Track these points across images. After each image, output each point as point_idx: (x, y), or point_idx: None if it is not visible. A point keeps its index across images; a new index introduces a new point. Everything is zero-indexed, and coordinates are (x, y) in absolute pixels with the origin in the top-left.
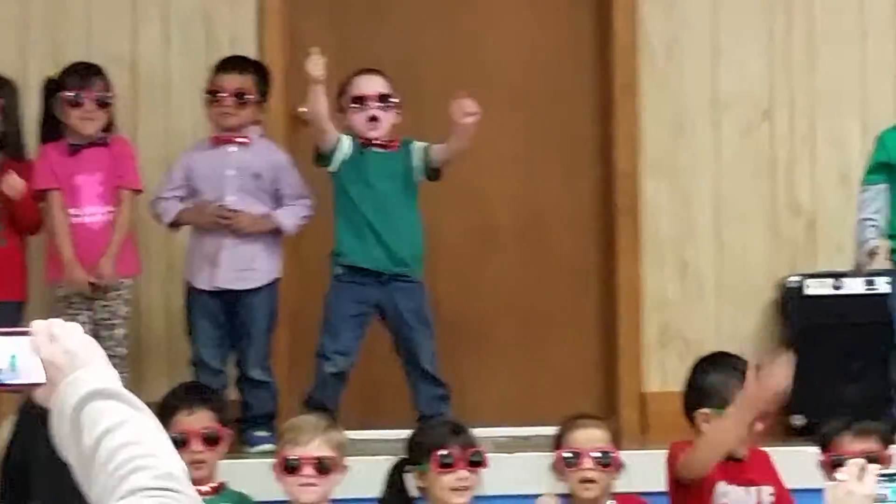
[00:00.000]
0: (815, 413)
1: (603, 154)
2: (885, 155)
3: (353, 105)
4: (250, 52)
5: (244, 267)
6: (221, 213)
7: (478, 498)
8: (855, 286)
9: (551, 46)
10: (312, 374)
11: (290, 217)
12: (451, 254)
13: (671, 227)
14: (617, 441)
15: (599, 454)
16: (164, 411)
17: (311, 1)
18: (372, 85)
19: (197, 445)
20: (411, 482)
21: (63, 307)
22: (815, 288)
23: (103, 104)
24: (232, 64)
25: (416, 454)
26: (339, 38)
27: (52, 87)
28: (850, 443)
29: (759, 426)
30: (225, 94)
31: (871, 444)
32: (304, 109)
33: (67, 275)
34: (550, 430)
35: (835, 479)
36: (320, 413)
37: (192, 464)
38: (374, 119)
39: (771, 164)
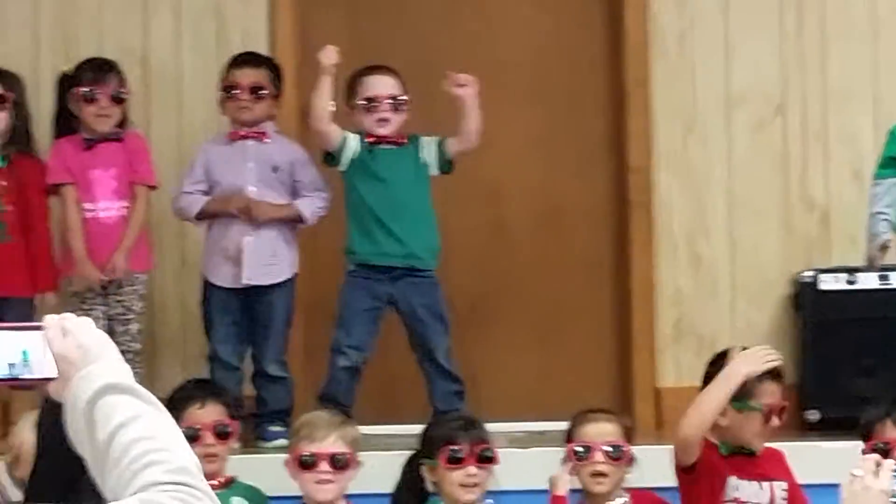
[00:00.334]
0: (829, 408)
1: (616, 149)
2: None
3: (364, 105)
4: (262, 47)
5: (267, 262)
6: (247, 204)
7: (493, 493)
8: (869, 281)
9: (564, 42)
10: (327, 369)
11: (309, 206)
12: (465, 248)
13: (685, 221)
14: (631, 436)
15: (610, 448)
16: (175, 406)
17: None
18: (383, 86)
19: (209, 439)
20: (427, 476)
21: (77, 302)
22: (829, 283)
23: (118, 100)
24: (245, 59)
25: (427, 448)
26: (351, 33)
27: (67, 82)
28: (893, 430)
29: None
30: (240, 90)
31: None
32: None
33: (79, 271)
34: (565, 426)
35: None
36: (334, 409)
37: (205, 457)
38: (384, 120)
39: (784, 159)
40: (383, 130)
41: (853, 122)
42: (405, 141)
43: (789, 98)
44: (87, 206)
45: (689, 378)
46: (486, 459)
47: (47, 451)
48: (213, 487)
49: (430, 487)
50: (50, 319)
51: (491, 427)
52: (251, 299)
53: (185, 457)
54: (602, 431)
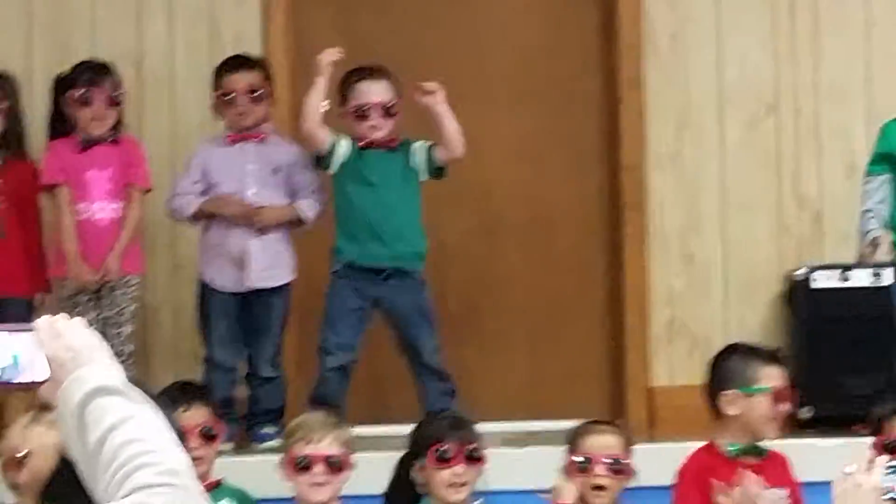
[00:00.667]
0: (822, 405)
1: (609, 148)
2: (887, 146)
3: (354, 113)
4: (255, 48)
5: (271, 265)
6: (246, 211)
7: (485, 493)
8: (862, 278)
9: (556, 41)
10: (317, 370)
11: (309, 208)
12: (458, 249)
13: (677, 220)
14: (630, 447)
15: (611, 461)
16: (160, 408)
17: None
18: (374, 93)
19: (194, 441)
20: (416, 476)
21: (70, 305)
22: (821, 281)
23: (113, 102)
24: (238, 63)
25: (417, 448)
26: (344, 34)
27: (62, 85)
28: None
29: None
30: (237, 94)
31: None
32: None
33: (71, 271)
34: (558, 425)
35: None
36: (328, 410)
37: (192, 460)
38: (375, 127)
39: (777, 156)
40: (375, 135)
41: (846, 119)
42: (395, 145)
43: (782, 96)
44: (82, 206)
45: (682, 377)
46: (473, 458)
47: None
48: None
49: (419, 489)
50: (41, 321)
51: (484, 427)
52: (251, 302)
53: (177, 458)
54: (604, 444)
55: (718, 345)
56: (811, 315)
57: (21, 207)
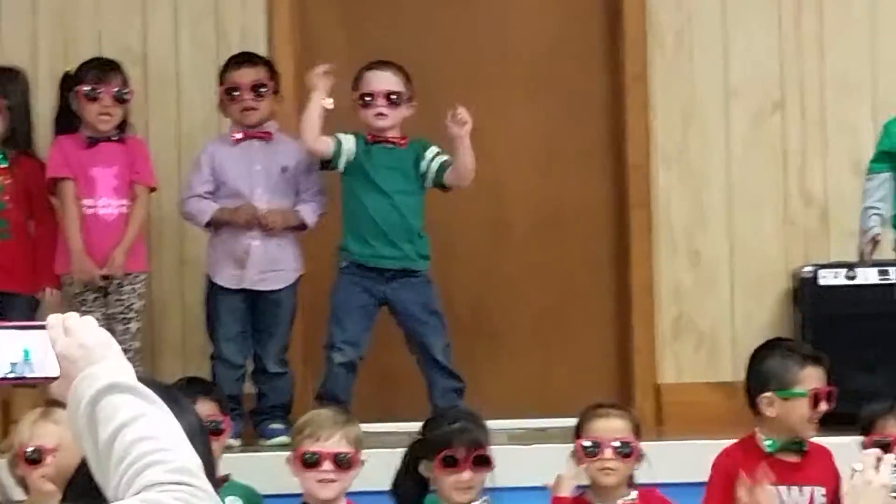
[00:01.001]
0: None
1: (615, 145)
2: (889, 144)
3: (361, 101)
4: (260, 46)
5: (272, 268)
6: (253, 216)
7: (493, 490)
8: (869, 276)
9: (562, 38)
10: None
11: (311, 213)
12: (466, 247)
13: (684, 217)
14: (639, 429)
15: (619, 444)
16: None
17: None
18: (380, 81)
19: None
20: (424, 472)
21: (77, 302)
22: (828, 278)
23: (121, 100)
24: (242, 59)
25: (425, 448)
26: (350, 31)
27: (69, 81)
28: (894, 425)
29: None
30: (242, 90)
31: None
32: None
33: (75, 265)
34: (566, 422)
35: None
36: (336, 407)
37: None
38: (380, 114)
39: (783, 153)
40: (381, 123)
41: (852, 115)
42: (404, 143)
43: (788, 92)
44: (87, 202)
45: (689, 374)
46: (482, 464)
47: None
48: None
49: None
50: (53, 319)
51: (492, 424)
52: (257, 299)
53: (187, 456)
54: (612, 427)
55: (726, 342)
56: (817, 312)
57: (31, 205)
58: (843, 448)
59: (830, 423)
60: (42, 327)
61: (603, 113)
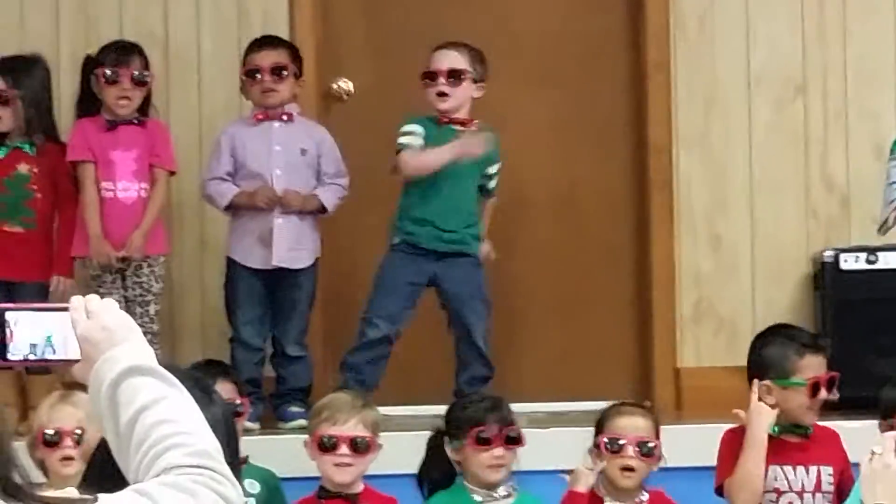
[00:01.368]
0: (849, 387)
1: (636, 130)
2: None
3: (424, 78)
4: (282, 29)
5: (295, 245)
6: (271, 198)
7: (514, 473)
8: (890, 261)
9: (584, 23)
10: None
11: (331, 197)
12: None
13: (705, 202)
14: (658, 431)
15: (641, 443)
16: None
17: None
18: (441, 61)
19: None
20: (451, 455)
21: (95, 284)
22: (849, 262)
23: (140, 82)
24: (264, 42)
25: (453, 429)
26: (370, 14)
27: (91, 65)
28: None
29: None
30: (263, 72)
31: None
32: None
33: (93, 248)
34: (586, 406)
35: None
36: (355, 392)
37: None
38: (442, 94)
39: (804, 138)
40: (443, 105)
41: (875, 101)
42: (475, 125)
43: (810, 78)
44: (107, 185)
45: (709, 358)
46: (513, 441)
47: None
48: None
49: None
50: (75, 301)
51: (512, 408)
52: (277, 281)
53: (207, 440)
54: (634, 425)
55: (746, 326)
56: (838, 297)
57: (57, 193)
58: (863, 432)
59: (850, 408)
60: (64, 309)
61: (625, 96)
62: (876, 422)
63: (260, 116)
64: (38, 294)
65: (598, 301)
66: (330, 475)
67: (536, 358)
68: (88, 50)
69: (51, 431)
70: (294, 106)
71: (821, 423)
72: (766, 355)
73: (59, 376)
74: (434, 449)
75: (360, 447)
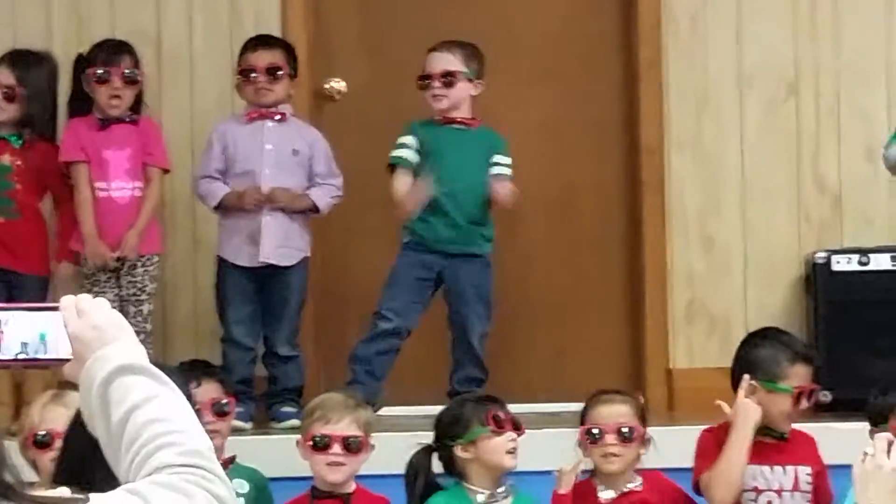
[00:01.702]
0: (841, 389)
1: (628, 130)
2: None
3: (419, 81)
4: (274, 28)
5: (282, 244)
6: (258, 200)
7: (509, 473)
8: (882, 262)
9: (576, 22)
10: (337, 353)
11: (323, 197)
12: None
13: (697, 202)
14: (644, 415)
15: (621, 429)
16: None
17: None
18: (434, 64)
19: (209, 416)
20: (459, 455)
21: (89, 283)
22: (841, 264)
23: (131, 81)
24: (259, 42)
25: (459, 426)
26: (363, 12)
27: (82, 64)
28: None
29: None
30: (257, 72)
31: None
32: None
33: (88, 248)
34: (578, 407)
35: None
36: (348, 391)
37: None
38: (437, 97)
39: (796, 138)
40: (439, 106)
41: (866, 101)
42: (475, 124)
43: (802, 78)
44: (100, 185)
45: (701, 359)
46: (519, 428)
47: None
48: None
49: (458, 468)
50: (66, 300)
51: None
52: (267, 280)
53: (199, 439)
54: (615, 413)
55: (738, 327)
56: (830, 298)
57: (44, 188)
58: (857, 434)
59: (842, 409)
60: (55, 308)
61: (617, 97)
62: (867, 424)
63: (253, 115)
64: (39, 288)
65: (591, 301)
66: (322, 475)
67: (529, 359)
68: (81, 49)
69: (42, 432)
70: (288, 107)
71: (796, 427)
72: (757, 355)
73: (56, 374)
74: (417, 464)
75: (352, 447)
